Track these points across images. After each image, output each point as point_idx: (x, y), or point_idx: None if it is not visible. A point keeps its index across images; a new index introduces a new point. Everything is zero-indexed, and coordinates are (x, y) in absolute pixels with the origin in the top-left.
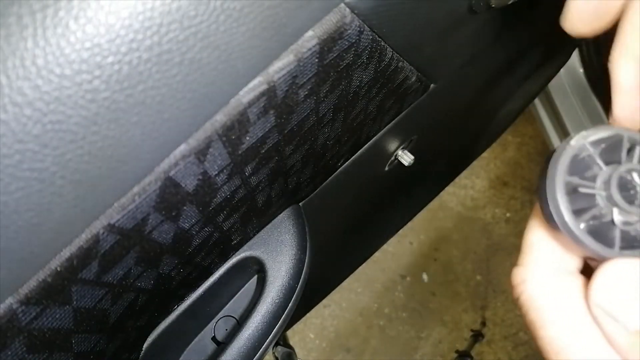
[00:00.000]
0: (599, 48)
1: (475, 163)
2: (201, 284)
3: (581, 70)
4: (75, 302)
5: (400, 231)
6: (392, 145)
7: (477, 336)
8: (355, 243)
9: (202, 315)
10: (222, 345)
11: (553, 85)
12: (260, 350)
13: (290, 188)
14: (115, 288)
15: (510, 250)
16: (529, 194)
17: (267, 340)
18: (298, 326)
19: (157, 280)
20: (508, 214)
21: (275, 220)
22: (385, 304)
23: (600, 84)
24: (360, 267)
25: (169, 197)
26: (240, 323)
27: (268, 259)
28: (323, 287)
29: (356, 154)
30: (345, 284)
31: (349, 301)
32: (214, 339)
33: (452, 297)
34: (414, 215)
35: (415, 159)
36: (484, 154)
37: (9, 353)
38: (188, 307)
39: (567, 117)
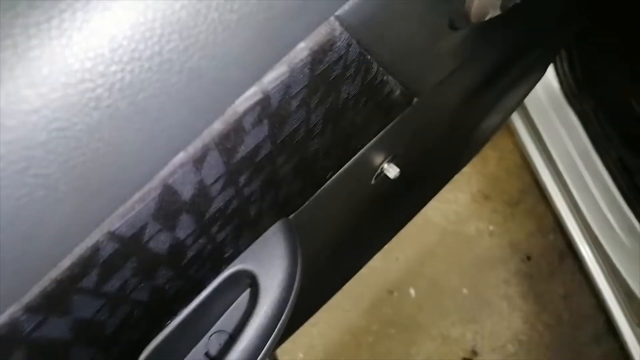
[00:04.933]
0: (572, 64)
1: (457, 178)
2: (194, 299)
3: (556, 84)
4: (74, 312)
5: (386, 247)
6: (377, 158)
7: None
8: (344, 257)
9: (195, 331)
10: None
11: (530, 100)
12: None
13: (281, 200)
14: (112, 299)
15: (494, 262)
16: (509, 207)
17: (261, 355)
18: (287, 346)
19: (152, 293)
20: (491, 227)
21: (266, 233)
22: (373, 320)
23: (575, 97)
24: (348, 284)
25: (167, 205)
26: (233, 337)
27: (260, 272)
28: (312, 303)
29: (343, 167)
30: (333, 301)
31: (337, 319)
32: (207, 354)
33: (440, 311)
34: (400, 228)
35: (400, 173)
36: (466, 169)
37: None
38: (181, 322)
39: (545, 130)
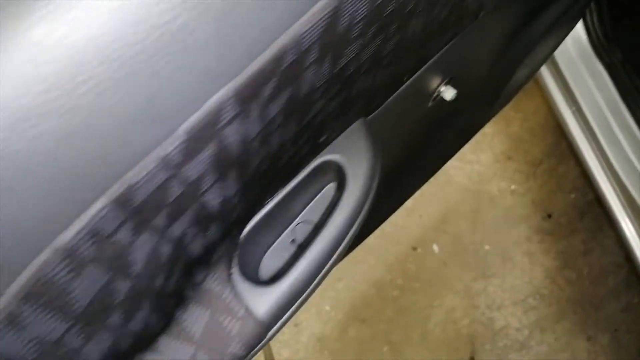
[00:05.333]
0: (602, 17)
1: (479, 139)
2: (289, 181)
3: (585, 37)
4: (245, 126)
5: (410, 205)
6: (437, 78)
7: None
8: (403, 175)
9: (284, 217)
10: (301, 248)
11: (559, 52)
12: (337, 252)
13: (372, 90)
14: (266, 128)
15: (516, 220)
16: (532, 167)
17: (343, 243)
18: (314, 299)
19: (278, 147)
20: (513, 187)
21: (350, 128)
22: (398, 275)
23: (603, 50)
24: (372, 240)
25: (328, 33)
26: (318, 227)
27: (346, 162)
28: (376, 215)
29: (414, 75)
30: (357, 257)
31: (362, 274)
32: (293, 242)
33: (463, 267)
34: (446, 161)
35: (455, 95)
36: (488, 130)
37: (200, 158)
38: (275, 205)
39: (573, 83)
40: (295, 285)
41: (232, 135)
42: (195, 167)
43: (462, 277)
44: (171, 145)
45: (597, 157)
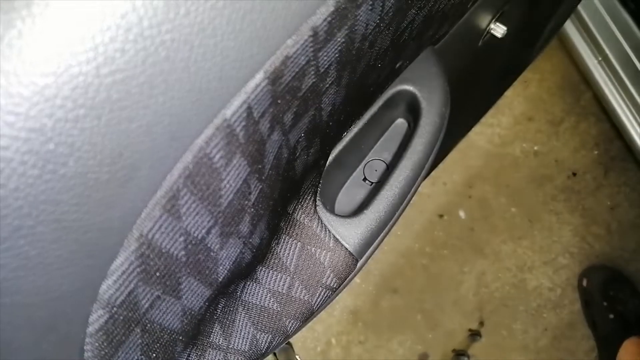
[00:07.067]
0: None
1: (499, 102)
2: (365, 113)
3: None
4: (367, 16)
5: (433, 173)
6: (488, 15)
7: (474, 335)
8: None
9: (356, 154)
10: (385, 175)
11: (583, 4)
12: (418, 179)
13: (437, 17)
14: (382, 20)
15: (541, 181)
16: (554, 126)
17: (425, 169)
18: None
19: (376, 52)
20: (536, 147)
21: (419, 57)
22: (426, 243)
23: None
24: None
25: None
26: (391, 166)
27: (420, 90)
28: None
29: (473, 7)
30: None
31: (390, 244)
32: (365, 180)
33: (490, 231)
34: (491, 105)
35: (505, 33)
36: (507, 93)
37: (336, 40)
38: (349, 141)
39: (600, 33)
40: (380, 216)
41: (360, 22)
42: (329, 53)
43: (491, 241)
44: (321, 17)
45: (626, 105)
